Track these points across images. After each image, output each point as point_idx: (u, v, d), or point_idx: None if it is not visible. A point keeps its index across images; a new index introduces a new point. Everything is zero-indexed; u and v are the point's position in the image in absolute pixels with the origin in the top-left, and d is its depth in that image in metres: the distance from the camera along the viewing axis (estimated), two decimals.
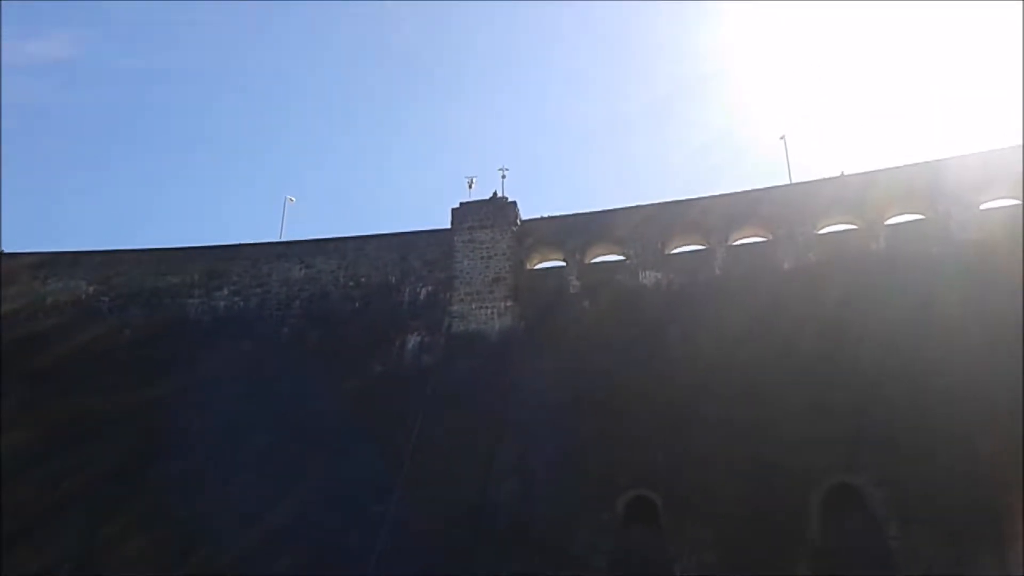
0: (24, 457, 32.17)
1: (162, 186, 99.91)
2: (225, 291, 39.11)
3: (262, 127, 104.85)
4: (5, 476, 31.40)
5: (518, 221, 37.19)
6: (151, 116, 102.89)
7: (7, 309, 38.97)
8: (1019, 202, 30.51)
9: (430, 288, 36.82)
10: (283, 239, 41.41)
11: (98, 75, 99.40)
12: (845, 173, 34.69)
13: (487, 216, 37.20)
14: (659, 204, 35.80)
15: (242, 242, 40.90)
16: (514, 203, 37.57)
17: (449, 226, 37.61)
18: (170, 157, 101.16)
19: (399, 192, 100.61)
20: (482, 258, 36.28)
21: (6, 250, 41.64)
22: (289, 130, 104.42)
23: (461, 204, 37.98)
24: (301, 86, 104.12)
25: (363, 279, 38.05)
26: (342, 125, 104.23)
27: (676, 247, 35.44)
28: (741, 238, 35.07)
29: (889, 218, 32.65)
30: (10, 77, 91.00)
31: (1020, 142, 31.21)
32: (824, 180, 34.77)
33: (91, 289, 40.13)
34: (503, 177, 38.88)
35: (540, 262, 37.58)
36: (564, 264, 36.37)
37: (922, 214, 32.25)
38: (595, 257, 36.59)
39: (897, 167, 33.38)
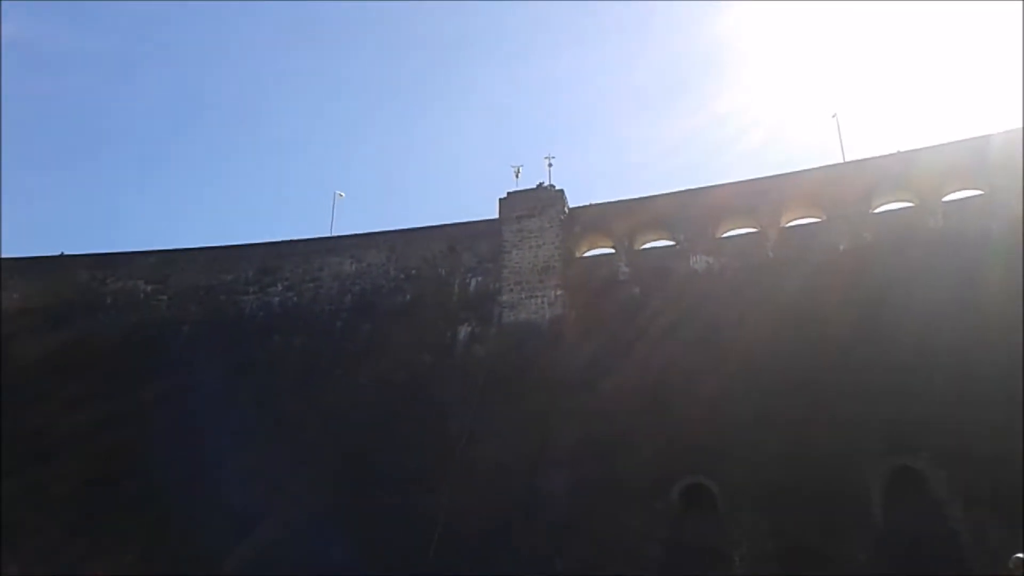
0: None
1: (212, 185, 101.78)
2: (279, 287, 39.79)
3: (309, 124, 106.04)
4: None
5: (566, 209, 37.02)
6: (199, 117, 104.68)
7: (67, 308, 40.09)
8: None
9: (480, 279, 36.94)
10: (333, 234, 41.95)
11: (130, 68, 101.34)
12: (899, 150, 33.89)
13: (535, 205, 37.09)
14: (706, 187, 35.39)
15: (293, 238, 41.59)
16: (561, 191, 37.43)
17: (497, 216, 37.65)
18: (219, 158, 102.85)
19: (447, 183, 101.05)
20: (531, 247, 36.22)
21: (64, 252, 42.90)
22: (336, 125, 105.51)
23: (508, 194, 37.97)
24: (347, 81, 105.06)
25: (413, 271, 38.31)
26: (388, 119, 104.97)
27: (727, 230, 34.98)
28: (793, 219, 34.44)
29: (947, 195, 31.77)
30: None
31: None
32: (878, 158, 33.90)
33: (149, 288, 41.14)
34: (550, 166, 38.97)
35: (589, 249, 37.40)
36: (613, 251, 36.17)
37: (980, 189, 31.36)
38: (645, 243, 36.35)
39: (950, 142, 32.46)
